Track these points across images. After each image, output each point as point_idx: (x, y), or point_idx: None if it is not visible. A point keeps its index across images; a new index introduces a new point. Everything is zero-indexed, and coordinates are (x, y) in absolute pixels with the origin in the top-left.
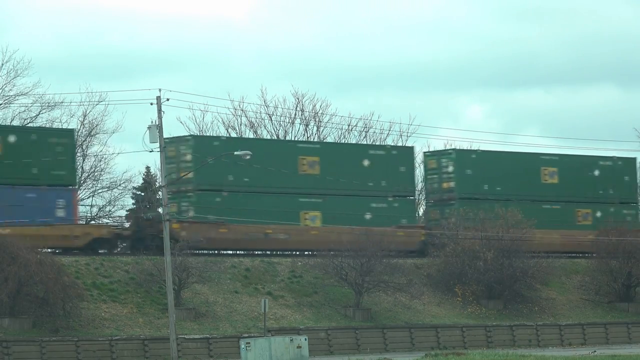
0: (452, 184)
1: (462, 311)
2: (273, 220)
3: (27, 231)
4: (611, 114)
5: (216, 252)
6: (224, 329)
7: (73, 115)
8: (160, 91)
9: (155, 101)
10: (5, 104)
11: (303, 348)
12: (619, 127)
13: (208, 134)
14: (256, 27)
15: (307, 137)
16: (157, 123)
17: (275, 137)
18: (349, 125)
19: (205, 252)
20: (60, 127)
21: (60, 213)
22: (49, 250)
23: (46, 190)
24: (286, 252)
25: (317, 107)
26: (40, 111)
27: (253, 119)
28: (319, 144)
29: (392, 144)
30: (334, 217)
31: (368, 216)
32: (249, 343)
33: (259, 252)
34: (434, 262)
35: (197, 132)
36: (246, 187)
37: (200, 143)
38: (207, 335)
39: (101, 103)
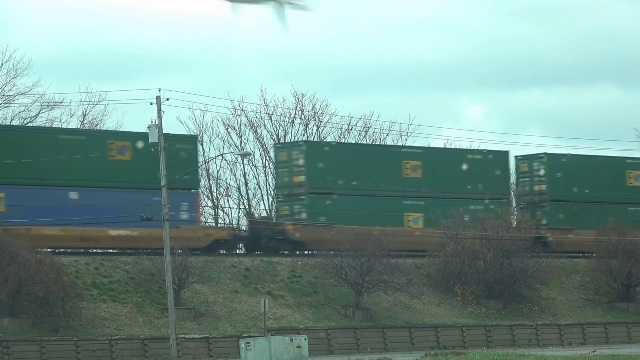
0: (543, 187)
1: (462, 311)
2: (378, 222)
3: (155, 233)
4: (611, 112)
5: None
6: (224, 329)
7: (73, 115)
8: (160, 91)
9: (155, 101)
10: (5, 104)
11: (303, 348)
12: (620, 126)
13: (289, 140)
14: (256, 26)
15: (307, 137)
16: (157, 123)
17: (276, 137)
18: (349, 125)
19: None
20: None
21: (184, 216)
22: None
23: (171, 194)
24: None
25: (317, 107)
26: (40, 111)
27: (253, 119)
28: (421, 149)
29: (489, 149)
30: (435, 219)
31: (467, 218)
32: (249, 343)
33: (258, 252)
34: (434, 262)
35: (196, 132)
36: (354, 191)
37: (312, 148)
38: (207, 335)
39: (101, 103)
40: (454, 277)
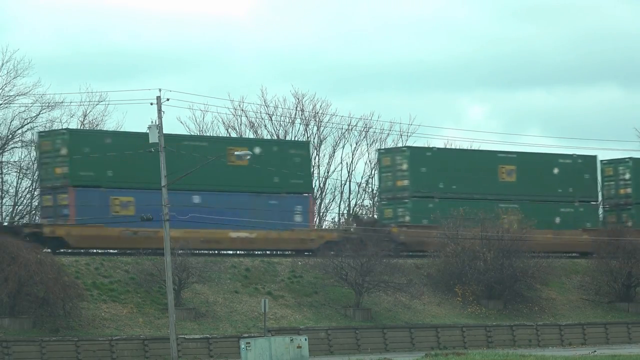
0: (628, 190)
1: (462, 311)
2: (476, 224)
3: (270, 235)
4: (612, 112)
5: (216, 252)
6: (224, 329)
7: (73, 115)
8: (160, 91)
9: (155, 101)
10: (5, 104)
11: (303, 348)
12: (621, 126)
13: (403, 145)
14: (256, 26)
15: (307, 137)
16: (157, 123)
17: (276, 137)
18: (349, 125)
19: (205, 252)
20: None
21: (298, 218)
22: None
23: (286, 197)
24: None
25: (317, 107)
26: (40, 111)
27: (253, 119)
28: (515, 154)
29: (578, 154)
30: (528, 220)
31: (557, 220)
32: (249, 343)
33: (258, 252)
34: (434, 262)
35: (196, 132)
36: (454, 194)
37: (415, 153)
38: (207, 335)
39: (101, 103)
40: (454, 277)
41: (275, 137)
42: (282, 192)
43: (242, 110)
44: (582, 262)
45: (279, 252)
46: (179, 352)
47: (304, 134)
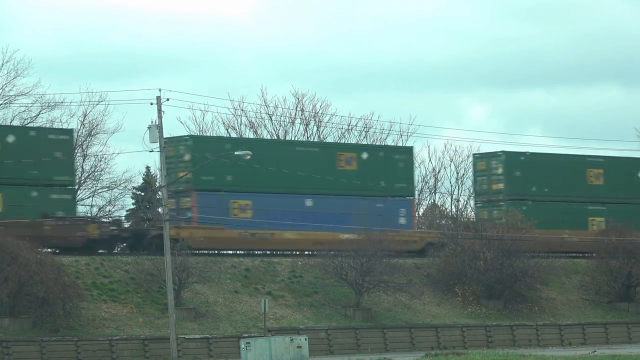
0: None
1: (462, 311)
2: (565, 226)
3: (375, 236)
4: (613, 112)
5: (216, 251)
6: (224, 329)
7: (73, 115)
8: (160, 91)
9: (155, 101)
10: (5, 104)
11: (303, 348)
12: (622, 126)
13: (490, 150)
14: (257, 26)
15: (307, 137)
16: (157, 123)
17: (276, 137)
18: (349, 125)
19: (205, 252)
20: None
21: (402, 221)
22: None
23: (391, 200)
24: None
25: (317, 107)
26: (40, 111)
27: (253, 119)
28: (602, 158)
29: None
30: (615, 222)
31: None
32: (249, 343)
33: (258, 252)
34: (434, 262)
35: (197, 132)
36: (546, 197)
37: (510, 158)
38: (207, 335)
39: (101, 103)
40: (454, 277)
41: (276, 137)
42: (388, 195)
43: (242, 110)
44: (582, 262)
45: (278, 252)
46: (179, 352)
47: (304, 134)
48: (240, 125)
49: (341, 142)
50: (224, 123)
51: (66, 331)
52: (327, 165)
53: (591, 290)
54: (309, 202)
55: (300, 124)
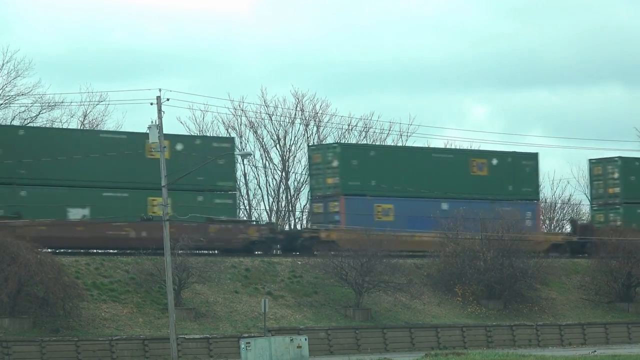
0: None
1: (462, 311)
2: None
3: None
4: (615, 112)
5: (216, 251)
6: (224, 329)
7: (73, 115)
8: (160, 91)
9: (155, 101)
10: (5, 104)
11: (303, 348)
12: (623, 126)
13: (606, 157)
14: (257, 25)
15: (307, 137)
16: (157, 123)
17: (276, 137)
18: (349, 125)
19: (205, 252)
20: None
21: (529, 223)
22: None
23: (518, 203)
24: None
25: (317, 107)
26: (40, 111)
27: (253, 119)
28: None
29: None
30: None
31: None
32: (249, 343)
33: (258, 252)
34: (434, 262)
35: (196, 132)
36: None
37: (626, 162)
38: (207, 335)
39: (101, 103)
40: (454, 277)
41: (276, 137)
42: (515, 199)
43: (242, 110)
44: (582, 262)
45: (279, 253)
46: (179, 352)
47: (304, 134)
48: (240, 125)
49: (473, 148)
50: (224, 123)
51: (66, 331)
52: (462, 170)
53: (591, 290)
54: (444, 206)
55: (300, 124)
